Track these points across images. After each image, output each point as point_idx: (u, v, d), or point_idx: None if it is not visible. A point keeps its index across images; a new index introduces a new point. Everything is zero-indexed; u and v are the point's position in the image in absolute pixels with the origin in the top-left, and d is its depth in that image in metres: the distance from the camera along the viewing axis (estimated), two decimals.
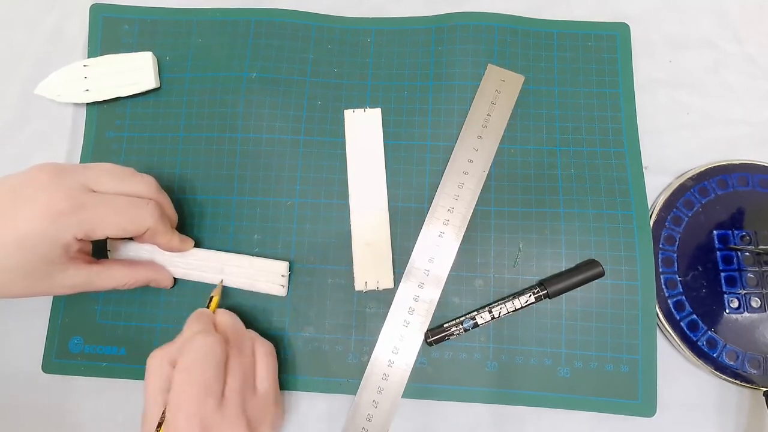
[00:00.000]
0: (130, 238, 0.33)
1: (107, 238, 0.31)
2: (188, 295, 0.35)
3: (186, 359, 0.27)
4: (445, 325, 0.33)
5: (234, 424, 0.27)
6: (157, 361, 0.28)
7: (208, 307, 0.32)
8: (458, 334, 0.33)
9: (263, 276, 0.34)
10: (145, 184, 0.31)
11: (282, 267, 0.34)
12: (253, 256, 0.35)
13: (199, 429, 0.25)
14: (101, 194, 0.29)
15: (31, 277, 0.28)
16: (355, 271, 0.35)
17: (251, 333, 0.32)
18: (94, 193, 0.29)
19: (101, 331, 0.35)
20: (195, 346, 0.27)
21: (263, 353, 0.30)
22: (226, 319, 0.31)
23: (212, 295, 0.33)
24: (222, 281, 0.34)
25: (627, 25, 0.39)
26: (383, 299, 0.34)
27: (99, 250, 0.34)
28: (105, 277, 0.31)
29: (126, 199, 0.30)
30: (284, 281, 0.34)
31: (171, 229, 0.33)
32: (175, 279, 0.35)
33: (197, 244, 0.35)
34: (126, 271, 0.32)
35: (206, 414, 0.26)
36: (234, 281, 0.34)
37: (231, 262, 0.34)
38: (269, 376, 0.30)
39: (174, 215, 0.34)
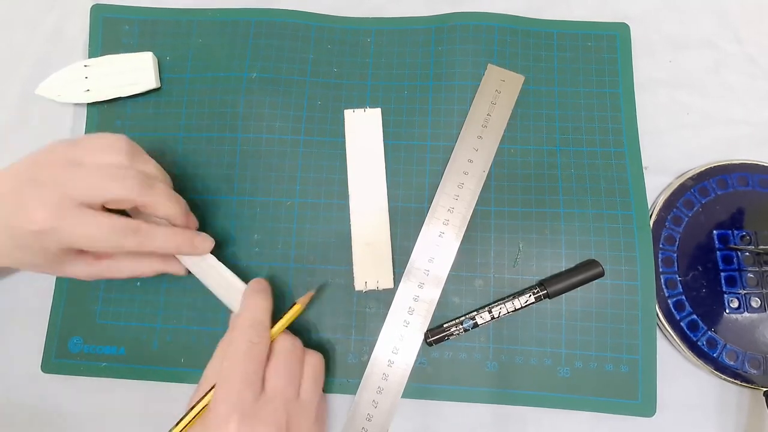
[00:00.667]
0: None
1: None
2: (188, 295, 0.35)
3: (233, 350, 0.28)
4: (444, 325, 0.33)
5: (270, 417, 0.27)
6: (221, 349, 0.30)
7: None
8: (458, 334, 0.33)
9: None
10: (125, 189, 0.29)
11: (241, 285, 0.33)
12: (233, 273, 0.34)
13: (237, 416, 0.26)
14: (83, 209, 0.28)
15: (45, 265, 0.30)
16: (355, 271, 0.35)
17: (308, 351, 0.32)
18: (76, 205, 0.27)
19: (101, 331, 0.35)
20: (246, 338, 0.29)
21: (312, 364, 0.31)
22: (289, 342, 0.31)
23: (299, 303, 0.32)
24: (313, 293, 0.34)
25: (627, 25, 0.39)
26: (383, 299, 0.34)
27: None
28: (114, 271, 0.32)
29: (106, 171, 0.28)
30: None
31: (170, 198, 0.30)
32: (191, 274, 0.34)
33: None
34: (132, 265, 0.32)
35: (245, 403, 0.27)
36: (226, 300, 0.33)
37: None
38: (314, 389, 0.30)
39: (174, 209, 0.31)
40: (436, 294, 0.34)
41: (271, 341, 0.30)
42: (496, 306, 0.33)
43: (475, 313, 0.33)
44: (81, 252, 0.30)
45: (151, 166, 0.32)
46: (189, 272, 0.34)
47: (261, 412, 0.27)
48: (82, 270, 0.31)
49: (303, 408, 0.29)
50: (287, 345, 0.30)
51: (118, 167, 0.29)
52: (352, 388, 0.33)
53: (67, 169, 0.28)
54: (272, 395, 0.28)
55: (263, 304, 0.31)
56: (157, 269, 0.33)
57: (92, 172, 0.28)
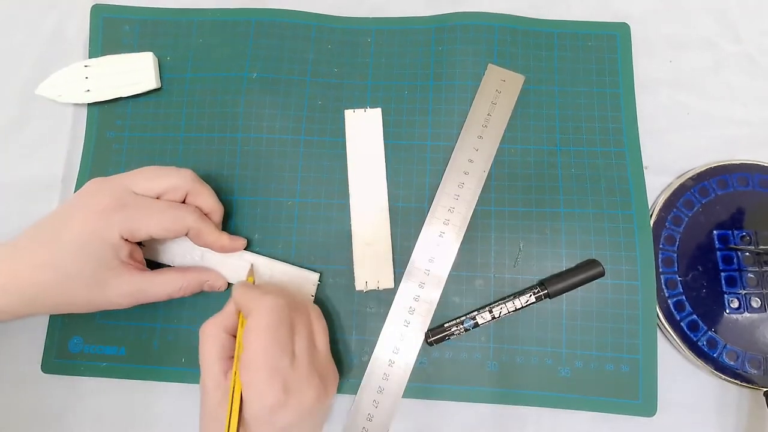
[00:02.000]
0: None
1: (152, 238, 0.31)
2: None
3: (258, 319, 0.27)
4: (445, 325, 0.33)
5: (309, 379, 0.27)
6: (212, 329, 0.29)
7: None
8: (459, 334, 0.33)
9: (295, 283, 0.34)
10: (180, 176, 0.32)
11: (314, 277, 0.35)
12: (286, 263, 0.35)
13: (280, 386, 0.26)
14: (144, 197, 0.31)
15: (90, 283, 0.29)
16: (355, 270, 0.35)
17: (299, 295, 0.32)
18: (136, 195, 0.30)
19: (101, 331, 0.35)
20: (267, 306, 0.27)
21: (316, 315, 0.31)
22: (277, 287, 0.32)
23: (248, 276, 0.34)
24: (252, 266, 0.34)
25: (627, 25, 0.39)
26: (383, 299, 0.34)
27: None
28: (159, 284, 0.32)
29: (167, 201, 0.31)
30: (314, 290, 0.35)
31: (215, 228, 0.33)
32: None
33: None
34: (179, 276, 0.32)
35: (284, 371, 0.26)
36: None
37: (275, 268, 0.34)
38: (324, 336, 0.30)
39: (217, 207, 0.33)
40: (436, 294, 0.34)
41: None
42: (497, 306, 0.33)
43: (475, 312, 0.33)
44: (127, 262, 0.30)
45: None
46: (230, 286, 0.34)
47: (299, 377, 0.27)
48: (126, 284, 0.30)
49: (323, 358, 0.30)
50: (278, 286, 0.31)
51: (172, 168, 0.33)
52: (352, 388, 0.33)
53: (125, 174, 0.32)
54: (301, 359, 0.28)
55: (245, 282, 0.31)
56: (201, 280, 0.33)
57: (149, 170, 0.32)
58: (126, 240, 0.30)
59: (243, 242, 0.34)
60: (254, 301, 0.28)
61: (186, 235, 0.31)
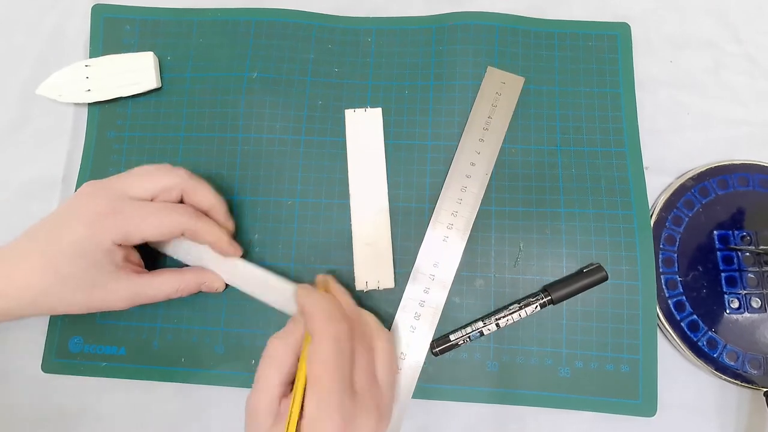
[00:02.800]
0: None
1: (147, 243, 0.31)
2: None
3: (323, 351, 0.26)
4: (451, 336, 0.33)
5: (367, 415, 0.26)
6: (282, 350, 0.28)
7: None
8: (464, 343, 0.33)
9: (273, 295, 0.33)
10: (174, 175, 0.32)
11: (289, 291, 0.33)
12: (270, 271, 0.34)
13: (339, 421, 0.25)
14: (138, 201, 0.30)
15: (87, 287, 0.30)
16: (355, 271, 0.35)
17: (369, 317, 0.31)
18: (130, 199, 0.30)
19: (101, 330, 0.35)
20: (330, 335, 0.26)
21: (382, 344, 0.29)
22: (349, 303, 0.30)
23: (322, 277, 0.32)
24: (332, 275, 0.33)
25: (627, 25, 0.39)
26: (384, 299, 0.34)
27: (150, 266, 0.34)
28: (156, 286, 0.32)
29: (161, 203, 0.31)
30: (292, 305, 0.33)
31: (215, 227, 0.32)
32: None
33: None
34: (176, 277, 0.32)
35: (345, 407, 0.26)
36: (272, 301, 0.33)
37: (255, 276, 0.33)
38: (388, 367, 0.29)
39: (216, 201, 0.33)
40: (442, 298, 0.34)
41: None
42: (503, 318, 0.33)
43: (482, 324, 0.33)
44: (122, 266, 0.30)
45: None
46: (227, 287, 0.34)
47: (358, 410, 0.26)
48: (123, 287, 0.30)
49: (384, 389, 0.28)
50: (350, 303, 0.30)
51: (166, 166, 0.33)
52: None
53: (119, 176, 0.32)
54: (361, 391, 0.27)
55: (327, 296, 0.29)
56: (199, 281, 0.33)
57: (144, 170, 0.32)
58: (121, 245, 0.30)
59: (240, 250, 0.33)
60: (318, 323, 0.27)
61: (183, 235, 0.31)
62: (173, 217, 0.30)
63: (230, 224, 0.34)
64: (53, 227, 0.30)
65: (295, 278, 0.35)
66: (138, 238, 0.30)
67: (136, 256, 0.33)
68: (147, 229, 0.30)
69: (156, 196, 0.31)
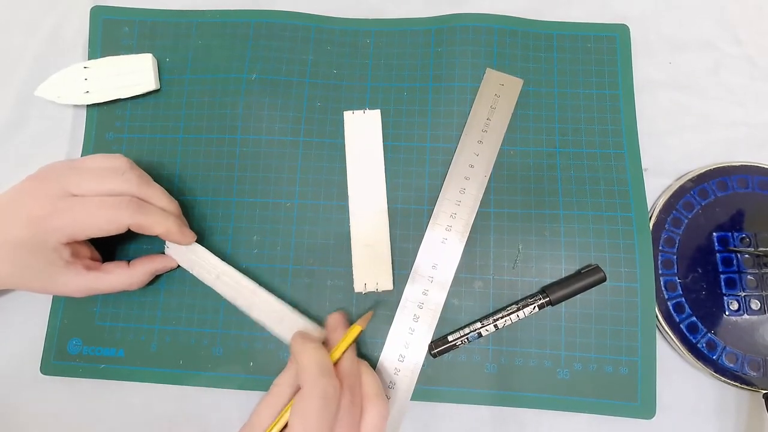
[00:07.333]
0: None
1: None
2: (187, 296, 0.35)
3: (306, 404, 0.26)
4: (449, 338, 0.33)
5: None
6: (284, 382, 0.28)
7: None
8: (462, 344, 0.33)
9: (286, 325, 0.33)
10: (125, 183, 0.31)
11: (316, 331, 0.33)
12: (290, 307, 0.33)
13: None
14: (79, 198, 0.30)
15: (41, 277, 0.31)
16: (354, 272, 0.35)
17: (370, 378, 0.30)
18: (72, 197, 0.30)
19: (100, 332, 0.35)
20: (316, 393, 0.26)
21: (377, 407, 0.29)
22: (351, 357, 0.30)
23: (357, 325, 0.31)
24: (372, 312, 0.33)
25: (626, 26, 0.39)
26: (382, 301, 0.34)
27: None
28: (107, 280, 0.32)
29: (101, 199, 0.30)
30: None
31: (161, 219, 0.31)
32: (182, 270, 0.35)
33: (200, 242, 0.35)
34: (126, 273, 0.33)
35: None
36: (257, 315, 0.33)
37: (264, 302, 0.33)
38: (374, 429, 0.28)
39: (170, 204, 0.33)
40: (440, 300, 0.34)
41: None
42: (501, 319, 0.33)
43: (480, 326, 0.33)
44: (71, 261, 0.31)
45: (149, 178, 0.33)
46: (179, 266, 0.35)
47: None
48: (74, 282, 0.31)
49: None
50: (348, 365, 0.29)
51: (117, 169, 0.32)
52: None
53: (68, 170, 0.31)
54: None
55: (322, 348, 0.29)
56: (148, 269, 0.33)
57: (93, 171, 0.31)
58: (67, 242, 0.30)
59: (192, 237, 0.33)
60: (309, 377, 0.27)
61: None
62: (115, 216, 0.30)
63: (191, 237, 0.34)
64: (3, 221, 0.30)
65: (293, 280, 0.35)
66: (82, 237, 0.30)
67: (87, 251, 0.33)
68: (90, 229, 0.30)
69: (101, 197, 0.30)
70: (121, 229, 0.30)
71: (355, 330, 0.31)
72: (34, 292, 0.32)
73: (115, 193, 0.31)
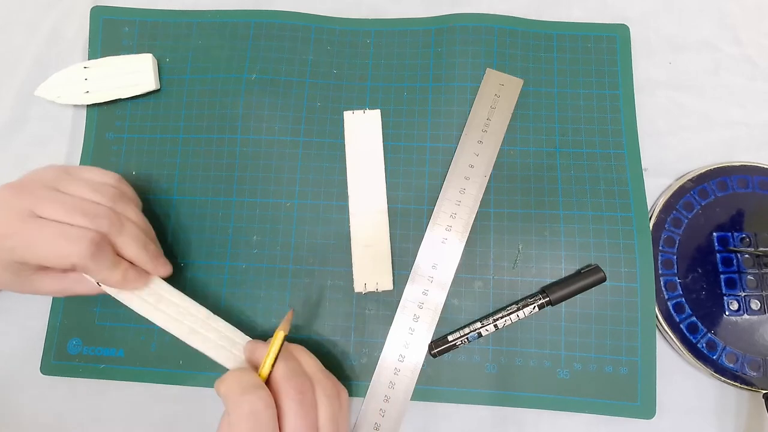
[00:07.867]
0: None
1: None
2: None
3: (236, 420, 0.25)
4: (449, 338, 0.33)
5: None
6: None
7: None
8: (462, 344, 0.33)
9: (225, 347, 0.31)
10: (94, 217, 0.28)
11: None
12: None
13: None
14: (40, 222, 0.27)
15: (19, 280, 0.30)
16: (354, 272, 0.35)
17: (322, 374, 0.29)
18: (36, 219, 0.28)
19: (100, 332, 0.35)
20: (243, 413, 0.25)
21: (326, 395, 0.28)
22: (284, 369, 0.28)
23: (280, 330, 0.29)
24: (292, 311, 0.31)
25: (626, 26, 0.39)
26: (383, 301, 0.34)
27: None
28: (83, 283, 0.31)
29: (58, 230, 0.27)
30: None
31: (111, 267, 0.28)
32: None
33: (197, 247, 0.35)
34: (91, 283, 0.31)
35: None
36: (200, 345, 0.31)
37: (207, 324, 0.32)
38: (331, 424, 0.27)
39: (142, 256, 0.30)
40: (440, 300, 0.34)
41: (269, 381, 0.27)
42: (501, 319, 0.33)
43: (480, 326, 0.33)
44: (42, 268, 0.29)
45: (132, 213, 0.31)
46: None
47: None
48: (49, 285, 0.30)
49: None
50: (293, 390, 0.27)
51: (101, 186, 0.30)
52: (354, 391, 0.33)
53: (44, 188, 0.29)
54: None
55: (241, 368, 0.28)
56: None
57: (63, 198, 0.28)
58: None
59: (142, 282, 0.30)
60: (230, 402, 0.26)
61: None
62: (65, 253, 0.27)
63: (163, 270, 0.32)
64: None
65: (293, 280, 0.35)
66: (34, 262, 0.28)
67: None
68: (39, 258, 0.27)
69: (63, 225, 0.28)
70: (62, 266, 0.28)
71: (279, 336, 0.29)
72: (16, 293, 0.31)
73: (88, 213, 0.28)
